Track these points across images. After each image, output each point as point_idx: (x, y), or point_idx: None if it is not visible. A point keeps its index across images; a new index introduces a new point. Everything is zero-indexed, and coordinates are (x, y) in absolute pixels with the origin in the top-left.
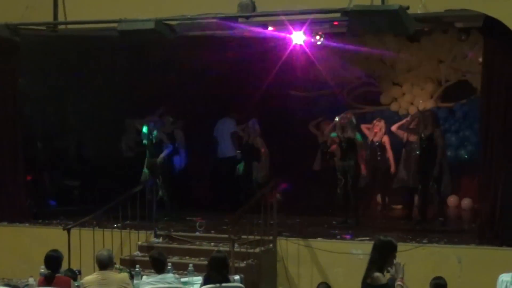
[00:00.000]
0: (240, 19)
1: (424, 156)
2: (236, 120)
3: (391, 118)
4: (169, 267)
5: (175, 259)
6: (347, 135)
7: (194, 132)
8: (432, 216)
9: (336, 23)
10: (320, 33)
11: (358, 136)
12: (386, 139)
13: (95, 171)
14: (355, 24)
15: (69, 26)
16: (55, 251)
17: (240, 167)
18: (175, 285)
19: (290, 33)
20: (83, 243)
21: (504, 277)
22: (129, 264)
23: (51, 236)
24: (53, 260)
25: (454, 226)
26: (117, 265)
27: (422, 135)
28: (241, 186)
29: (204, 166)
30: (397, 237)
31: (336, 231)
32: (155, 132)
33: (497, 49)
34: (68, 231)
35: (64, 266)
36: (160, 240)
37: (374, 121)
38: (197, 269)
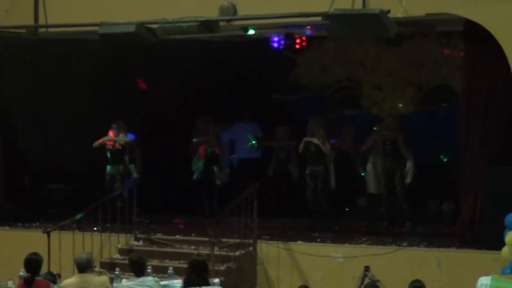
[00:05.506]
0: (221, 23)
1: (389, 161)
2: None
3: (371, 122)
4: (149, 270)
5: (155, 262)
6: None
7: (171, 135)
8: (401, 221)
9: (309, 27)
10: None
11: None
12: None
13: (75, 175)
14: (336, 27)
15: (50, 30)
16: (35, 254)
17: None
18: None
19: (271, 36)
20: (63, 246)
21: (484, 280)
22: (109, 267)
23: (30, 239)
24: (32, 263)
25: (431, 229)
26: (97, 268)
27: (387, 141)
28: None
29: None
30: (377, 241)
31: (317, 234)
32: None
33: (477, 53)
34: (48, 234)
35: (44, 269)
36: (140, 243)
37: (343, 129)
38: (177, 272)
